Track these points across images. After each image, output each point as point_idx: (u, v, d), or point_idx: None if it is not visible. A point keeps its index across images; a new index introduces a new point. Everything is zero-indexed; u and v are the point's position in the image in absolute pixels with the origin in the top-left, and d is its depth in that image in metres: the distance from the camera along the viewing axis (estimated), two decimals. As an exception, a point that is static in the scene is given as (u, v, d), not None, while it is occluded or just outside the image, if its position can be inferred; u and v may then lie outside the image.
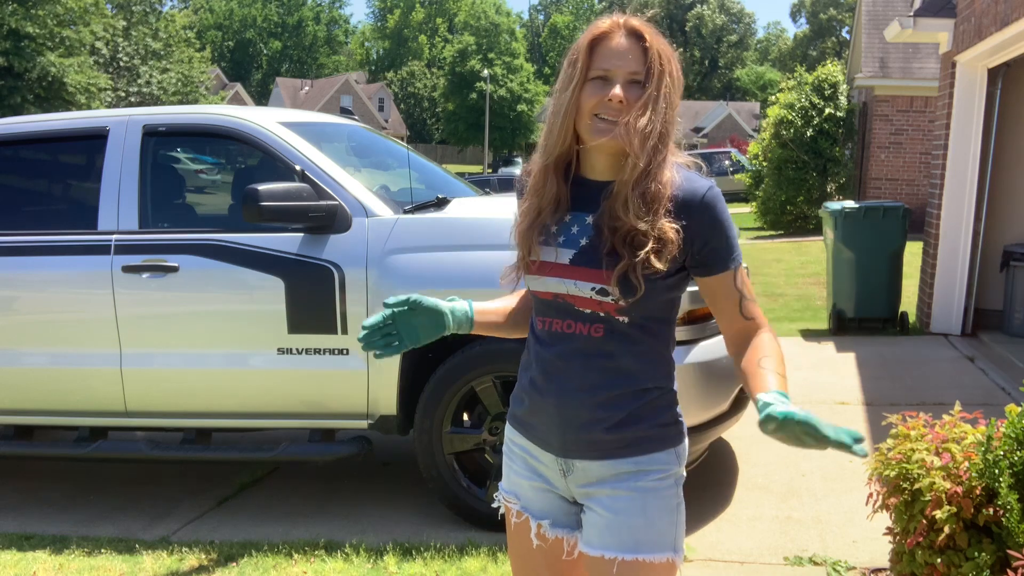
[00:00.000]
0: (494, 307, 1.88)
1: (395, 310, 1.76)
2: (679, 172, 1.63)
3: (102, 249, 3.92)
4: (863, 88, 17.54)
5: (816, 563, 3.41)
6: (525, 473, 1.80)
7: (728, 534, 3.70)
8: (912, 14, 8.00)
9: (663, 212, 1.58)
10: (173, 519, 4.10)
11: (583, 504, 1.74)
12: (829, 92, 16.33)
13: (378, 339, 1.76)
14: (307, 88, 63.69)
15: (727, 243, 1.64)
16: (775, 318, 8.65)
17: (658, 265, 1.57)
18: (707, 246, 1.62)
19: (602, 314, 1.64)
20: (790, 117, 16.28)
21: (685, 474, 1.74)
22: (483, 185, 16.58)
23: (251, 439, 4.69)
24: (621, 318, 1.63)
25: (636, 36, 1.60)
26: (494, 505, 1.89)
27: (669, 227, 1.57)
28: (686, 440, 1.75)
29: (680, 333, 3.48)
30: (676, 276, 1.64)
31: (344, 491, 4.36)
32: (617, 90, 1.57)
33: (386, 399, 3.73)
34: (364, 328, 1.75)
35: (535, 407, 1.73)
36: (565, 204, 1.68)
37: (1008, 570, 2.26)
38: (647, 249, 1.56)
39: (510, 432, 1.83)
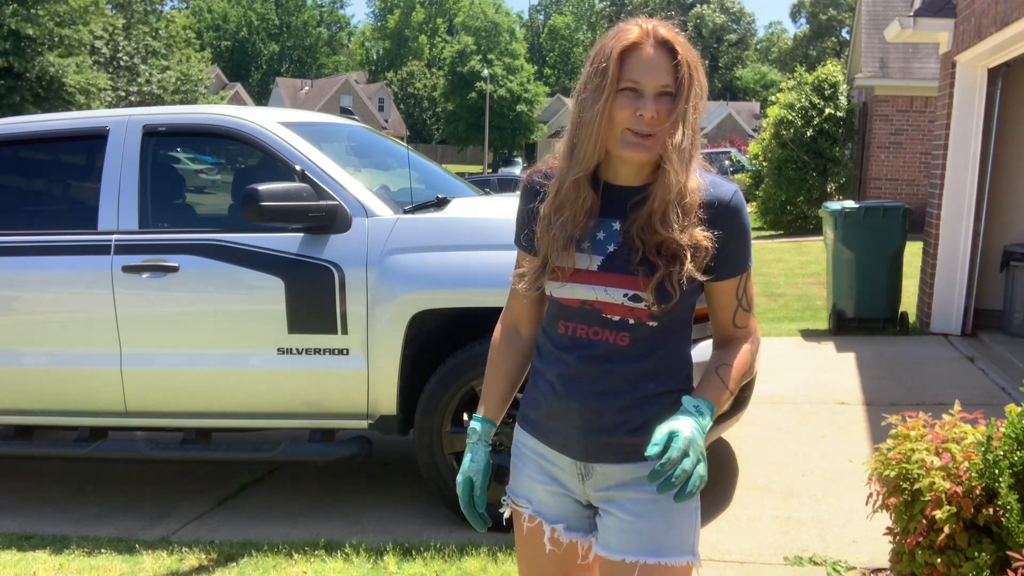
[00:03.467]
0: (495, 394, 1.85)
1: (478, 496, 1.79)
2: (703, 176, 1.64)
3: (102, 249, 3.92)
4: (863, 88, 17.54)
5: (816, 563, 3.41)
6: (539, 477, 1.78)
7: (728, 534, 3.69)
8: (912, 14, 8.00)
9: (695, 220, 1.59)
10: (173, 519, 4.10)
11: (599, 507, 1.73)
12: (829, 92, 16.32)
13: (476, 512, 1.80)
14: (307, 88, 63.67)
15: (743, 249, 1.66)
16: (775, 318, 8.65)
17: (696, 275, 1.59)
18: (724, 250, 1.63)
19: (631, 321, 1.63)
20: (790, 117, 16.27)
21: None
22: (483, 185, 16.59)
23: (251, 439, 4.69)
24: (651, 323, 1.63)
25: (666, 47, 1.58)
26: (500, 509, 1.87)
27: (703, 236, 1.59)
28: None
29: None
30: (703, 280, 1.65)
31: (344, 491, 4.36)
32: (650, 106, 1.56)
33: (386, 399, 3.73)
34: (482, 524, 1.79)
35: (553, 411, 1.71)
36: (595, 212, 1.67)
37: (1008, 570, 2.26)
38: (687, 261, 1.57)
39: (521, 435, 1.81)
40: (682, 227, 1.58)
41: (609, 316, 1.64)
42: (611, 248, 1.64)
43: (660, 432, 1.51)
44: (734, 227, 1.63)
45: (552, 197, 1.67)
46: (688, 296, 1.64)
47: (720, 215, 1.61)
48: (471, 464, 1.78)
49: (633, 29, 1.59)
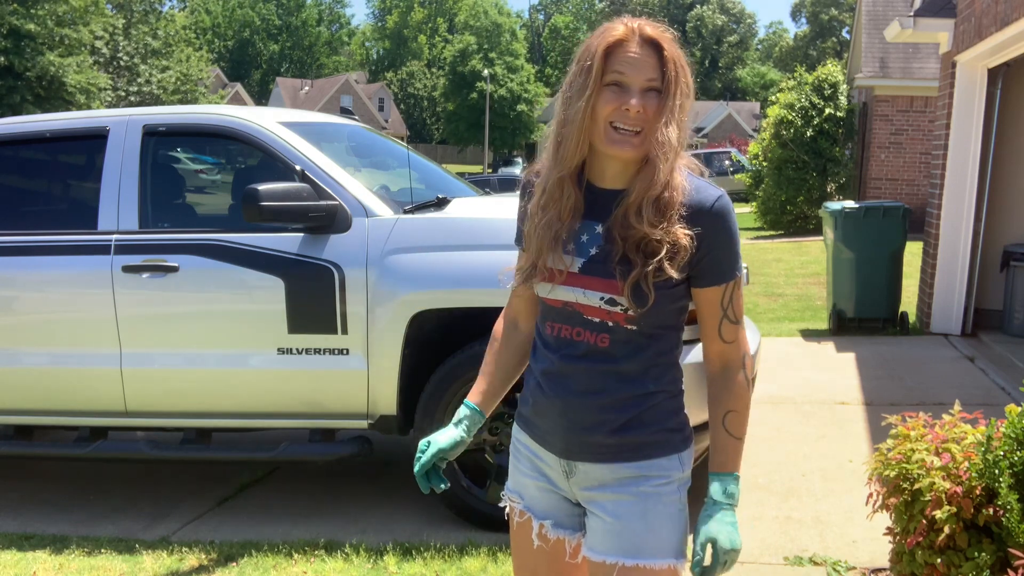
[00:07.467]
0: (487, 384, 1.87)
1: (427, 469, 1.79)
2: (689, 179, 1.62)
3: (102, 249, 3.92)
4: (863, 88, 17.55)
5: (816, 563, 3.41)
6: (530, 473, 1.80)
7: (728, 534, 3.69)
8: (912, 14, 8.00)
9: (676, 218, 1.58)
10: (173, 519, 4.10)
11: (586, 508, 1.74)
12: (829, 92, 16.32)
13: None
14: (307, 88, 63.66)
15: (728, 257, 1.63)
16: (775, 318, 8.65)
17: (671, 272, 1.57)
18: (708, 256, 1.61)
19: (610, 323, 1.63)
20: (790, 117, 16.28)
21: (690, 480, 1.74)
22: (483, 185, 16.58)
23: (251, 439, 4.69)
24: (629, 327, 1.62)
25: (652, 44, 1.58)
26: (501, 504, 1.89)
27: (682, 233, 1.57)
28: (692, 446, 1.75)
29: (680, 333, 3.47)
30: (685, 284, 1.64)
31: (344, 491, 4.36)
32: (635, 100, 1.56)
33: (386, 399, 3.73)
34: (424, 486, 1.81)
35: (540, 408, 1.73)
36: (579, 212, 1.66)
37: (1008, 570, 2.27)
38: (661, 256, 1.56)
39: (516, 432, 1.83)
40: (655, 222, 1.56)
41: (590, 318, 1.65)
42: (593, 251, 1.64)
43: (700, 539, 1.65)
44: (717, 233, 1.60)
45: (538, 196, 1.69)
46: (670, 302, 1.62)
47: (701, 220, 1.59)
48: (439, 433, 1.80)
49: (619, 27, 1.60)
